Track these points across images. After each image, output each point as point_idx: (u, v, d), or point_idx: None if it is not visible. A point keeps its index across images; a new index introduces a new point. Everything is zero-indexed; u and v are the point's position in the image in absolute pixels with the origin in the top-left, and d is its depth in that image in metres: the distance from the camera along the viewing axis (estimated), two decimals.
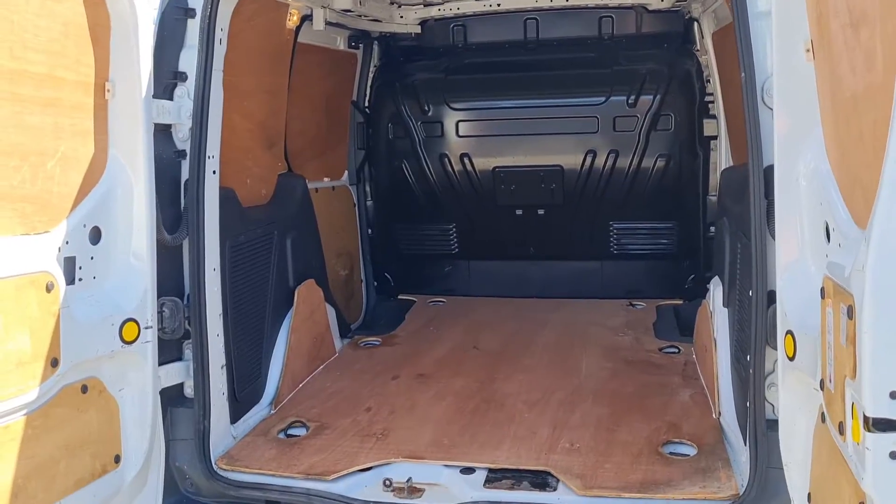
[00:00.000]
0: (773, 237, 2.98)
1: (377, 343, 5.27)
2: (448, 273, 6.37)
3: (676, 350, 4.90)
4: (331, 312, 5.05)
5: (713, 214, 5.56)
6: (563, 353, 4.90)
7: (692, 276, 5.83)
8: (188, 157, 3.48)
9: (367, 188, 6.19)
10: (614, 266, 6.08)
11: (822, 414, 2.45)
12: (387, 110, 6.05)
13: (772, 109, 3.03)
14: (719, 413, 3.83)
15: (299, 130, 5.09)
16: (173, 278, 3.50)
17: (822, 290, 2.28)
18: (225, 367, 3.72)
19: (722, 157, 5.36)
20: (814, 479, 2.60)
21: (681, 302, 5.85)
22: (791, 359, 2.66)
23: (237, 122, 4.06)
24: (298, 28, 4.70)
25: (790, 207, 2.74)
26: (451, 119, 5.96)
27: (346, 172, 5.99)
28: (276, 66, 4.51)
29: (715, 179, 5.55)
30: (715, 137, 5.47)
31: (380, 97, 6.05)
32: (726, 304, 3.98)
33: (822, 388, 2.31)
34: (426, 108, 5.98)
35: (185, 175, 3.52)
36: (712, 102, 5.48)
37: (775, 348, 2.99)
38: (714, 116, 5.42)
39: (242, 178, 4.17)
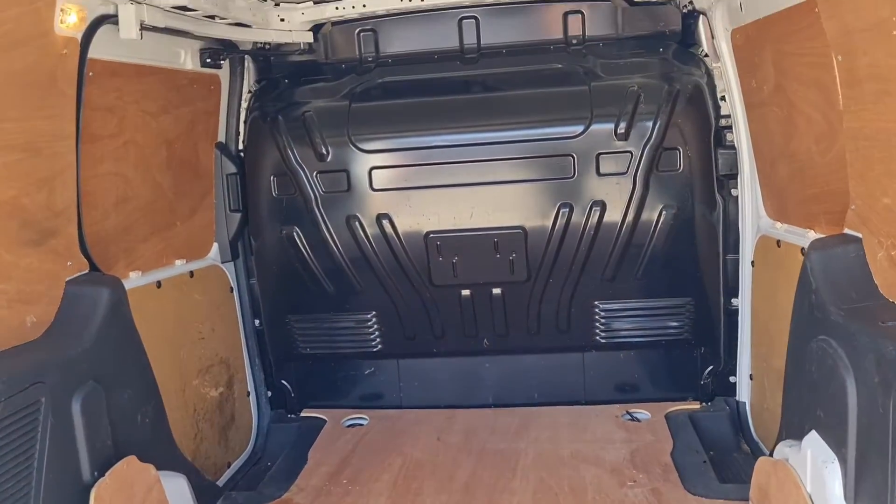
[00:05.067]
0: None
1: None
2: (370, 375, 4.60)
3: None
4: (176, 490, 3.14)
5: (734, 281, 4.05)
6: None
7: (709, 369, 4.28)
8: None
9: (249, 264, 4.37)
10: (601, 359, 4.43)
11: None
12: (268, 155, 4.21)
13: None
14: None
15: (117, 198, 3.27)
16: None
17: None
18: None
19: (746, 204, 3.87)
20: None
21: (697, 406, 4.27)
22: None
23: None
24: (89, 35, 2.82)
25: None
26: (360, 165, 4.15)
27: (216, 245, 4.17)
28: (37, 100, 2.62)
29: (736, 233, 3.98)
30: (734, 176, 3.95)
31: (256, 136, 4.21)
32: (854, 496, 2.26)
33: None
34: (323, 150, 4.15)
35: None
36: (729, 129, 3.95)
37: None
38: (733, 147, 3.92)
39: None
